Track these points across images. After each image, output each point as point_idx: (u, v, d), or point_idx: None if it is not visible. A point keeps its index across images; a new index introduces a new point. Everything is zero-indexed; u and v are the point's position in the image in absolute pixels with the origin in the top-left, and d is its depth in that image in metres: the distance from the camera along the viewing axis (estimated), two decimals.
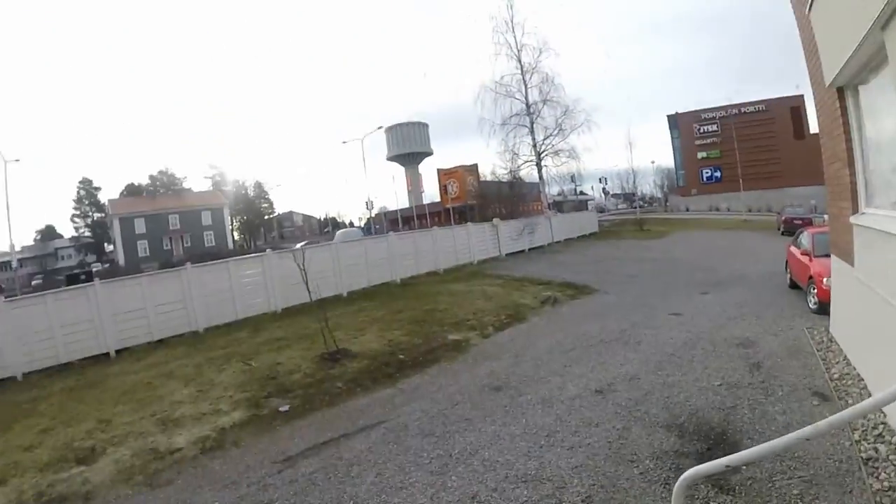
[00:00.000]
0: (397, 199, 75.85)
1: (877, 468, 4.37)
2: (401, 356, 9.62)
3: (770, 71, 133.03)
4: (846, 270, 7.16)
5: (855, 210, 6.56)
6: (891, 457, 4.48)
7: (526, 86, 33.45)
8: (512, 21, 33.35)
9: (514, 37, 33.33)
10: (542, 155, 33.85)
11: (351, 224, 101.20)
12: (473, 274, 20.05)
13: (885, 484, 4.11)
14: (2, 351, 12.39)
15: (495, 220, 26.64)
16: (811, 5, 6.73)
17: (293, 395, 8.19)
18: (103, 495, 5.99)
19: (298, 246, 20.59)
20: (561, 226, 33.32)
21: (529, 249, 27.55)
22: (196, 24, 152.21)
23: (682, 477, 2.03)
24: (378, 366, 9.18)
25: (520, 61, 33.36)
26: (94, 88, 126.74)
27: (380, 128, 63.78)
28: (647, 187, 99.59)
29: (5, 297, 14.32)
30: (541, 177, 34.71)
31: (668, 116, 72.76)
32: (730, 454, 4.76)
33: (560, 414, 6.24)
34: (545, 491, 4.61)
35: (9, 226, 40.21)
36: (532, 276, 18.12)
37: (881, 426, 4.94)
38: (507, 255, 25.84)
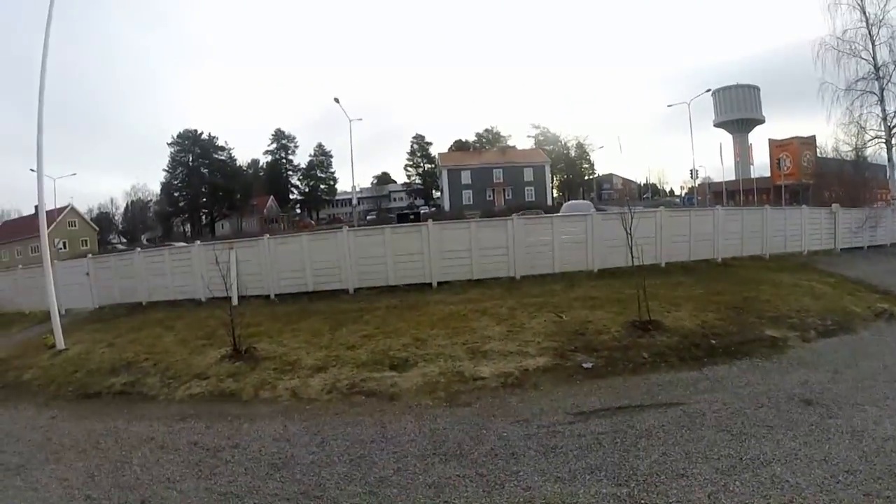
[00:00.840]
0: (723, 170, 70.41)
1: None
2: (712, 341, 9.22)
3: None
4: None
5: None
6: None
7: (873, 42, 27.11)
8: None
9: None
10: (894, 131, 27.58)
11: (671, 192, 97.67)
12: (802, 266, 17.92)
13: None
14: (341, 269, 15.33)
15: (834, 207, 22.66)
16: None
17: (598, 354, 8.44)
18: (406, 400, 7.14)
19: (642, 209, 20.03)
20: None
21: (869, 247, 23.08)
22: None
23: None
24: (687, 345, 8.93)
25: (864, 11, 27.12)
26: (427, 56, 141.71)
27: (708, 90, 59.22)
28: None
29: (348, 228, 17.28)
30: (890, 158, 28.10)
31: None
32: None
33: (867, 452, 5.40)
34: None
35: (352, 171, 48.53)
36: (869, 280, 15.52)
37: None
38: (841, 249, 22.12)
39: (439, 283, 15.06)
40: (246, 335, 9.96)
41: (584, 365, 7.98)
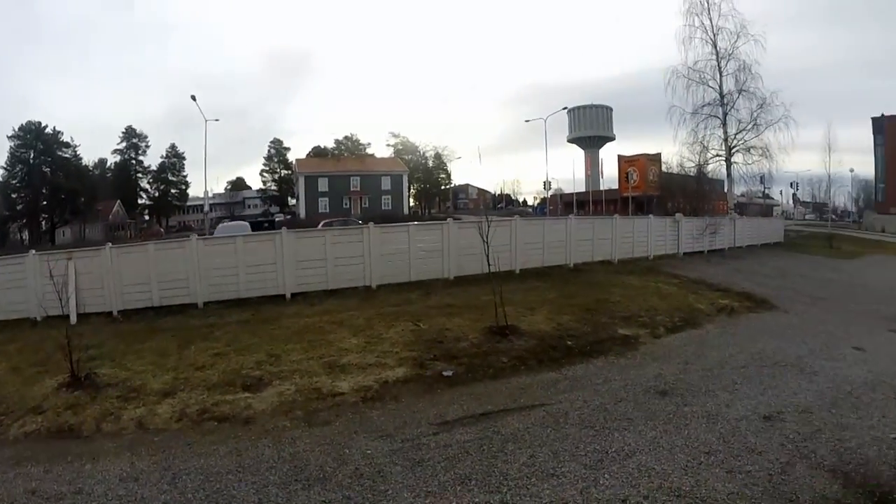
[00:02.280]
0: (574, 183, 75.26)
1: None
2: (569, 342, 9.46)
3: None
4: None
5: None
6: None
7: (721, 73, 30.72)
8: (708, 1, 30.54)
9: (710, 19, 30.53)
10: (733, 150, 31.10)
11: (524, 203, 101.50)
12: (649, 269, 19.14)
13: None
14: (189, 281, 14.25)
15: (678, 216, 24.99)
16: None
17: (458, 362, 8.32)
18: (262, 423, 6.56)
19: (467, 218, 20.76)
20: (744, 230, 30.14)
21: (709, 251, 25.62)
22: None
23: None
24: (545, 347, 9.07)
25: (715, 46, 30.55)
26: (291, 57, 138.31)
27: (563, 108, 63.34)
28: (841, 199, 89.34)
29: (198, 237, 16.18)
30: (729, 174, 31.95)
31: (872, 119, 63.60)
32: None
33: (724, 433, 5.80)
34: None
35: (205, 175, 45.81)
36: (710, 280, 16.96)
37: None
38: (684, 254, 24.26)
39: (294, 295, 14.38)
40: (86, 359, 8.81)
41: (445, 373, 7.83)
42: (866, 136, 65.02)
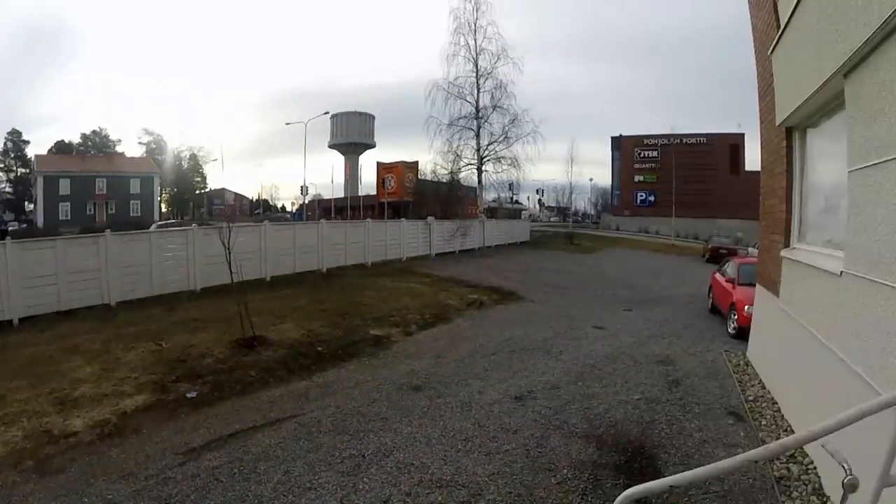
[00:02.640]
0: (333, 188, 74.59)
1: (789, 486, 4.54)
2: (319, 348, 9.34)
3: (717, 106, 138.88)
4: (770, 300, 7.39)
5: (787, 244, 6.79)
6: (802, 476, 4.65)
7: (479, 90, 33.54)
8: (475, 24, 33.24)
9: (475, 40, 33.24)
10: (485, 160, 34.08)
11: (283, 209, 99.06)
12: (402, 270, 19.93)
13: (798, 502, 4.27)
14: None
15: (429, 219, 26.52)
16: (775, 46, 6.96)
17: (203, 380, 7.73)
18: None
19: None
20: (493, 231, 33.64)
21: (460, 252, 27.69)
22: None
23: (623, 494, 1.87)
24: (294, 356, 8.84)
25: (476, 65, 33.34)
26: (32, 34, 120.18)
27: (326, 113, 62.79)
28: (582, 204, 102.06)
29: None
30: (480, 181, 34.90)
31: (612, 138, 74.60)
32: (646, 467, 4.83)
33: (479, 419, 6.13)
34: (460, 497, 4.47)
35: None
36: (460, 277, 18.15)
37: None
38: (437, 255, 25.88)
39: (21, 320, 12.13)
40: None
41: (189, 395, 7.21)
42: (606, 151, 75.86)
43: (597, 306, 13.92)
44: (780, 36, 6.64)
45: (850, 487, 1.82)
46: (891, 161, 3.58)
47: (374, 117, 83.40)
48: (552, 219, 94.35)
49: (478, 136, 33.92)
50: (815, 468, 4.76)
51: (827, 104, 5.44)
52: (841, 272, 4.46)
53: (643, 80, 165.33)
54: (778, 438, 5.50)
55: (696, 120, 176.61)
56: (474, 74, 33.46)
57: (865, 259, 3.97)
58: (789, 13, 6.03)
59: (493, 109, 33.52)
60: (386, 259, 22.43)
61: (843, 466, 1.88)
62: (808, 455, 4.93)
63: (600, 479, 4.71)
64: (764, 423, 6.06)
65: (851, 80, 4.36)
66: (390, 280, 17.07)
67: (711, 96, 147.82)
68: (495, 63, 33.14)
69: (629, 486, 4.25)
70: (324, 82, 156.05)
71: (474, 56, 33.33)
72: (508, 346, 9.52)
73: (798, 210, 6.72)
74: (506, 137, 33.54)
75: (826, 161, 5.87)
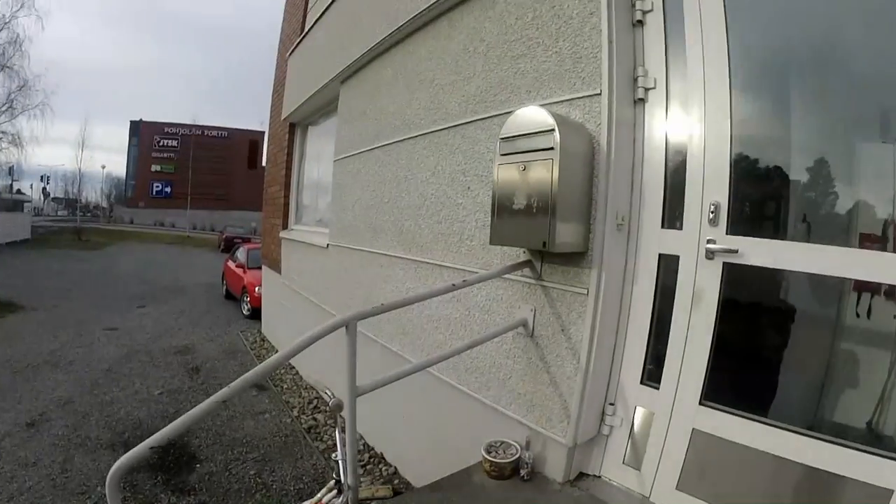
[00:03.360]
0: None
1: (319, 433, 5.32)
2: None
3: (245, 103, 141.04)
4: (275, 278, 8.21)
5: (285, 226, 7.67)
6: (328, 422, 5.47)
7: None
8: None
9: None
10: None
11: None
12: None
13: (329, 443, 5.01)
14: None
15: None
16: (293, 51, 7.80)
17: None
18: None
19: None
20: None
21: None
22: None
23: (109, 474, 1.87)
24: None
25: None
26: None
27: None
28: (94, 194, 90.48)
29: None
30: None
31: (131, 122, 69.53)
32: (181, 456, 4.90)
33: None
34: None
35: None
36: None
37: (315, 400, 6.08)
38: None
39: None
40: None
41: None
42: (123, 135, 68.58)
43: (109, 307, 12.93)
44: (299, 42, 7.48)
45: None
46: (364, 153, 4.49)
47: None
48: (60, 212, 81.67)
49: None
50: None
51: (325, 106, 6.38)
52: (328, 245, 5.33)
53: (176, 62, 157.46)
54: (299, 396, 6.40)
55: (224, 115, 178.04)
56: None
57: (344, 233, 4.87)
58: (312, 24, 6.84)
59: (2, 70, 26.33)
60: None
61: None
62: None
63: (137, 484, 4.49)
64: (286, 387, 6.78)
65: (345, 87, 5.30)
66: None
67: (241, 93, 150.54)
68: (16, 11, 26.01)
69: (169, 481, 4.33)
70: None
71: None
72: (10, 367, 8.04)
73: (296, 195, 7.67)
74: (10, 107, 27.02)
75: (320, 153, 6.88)
